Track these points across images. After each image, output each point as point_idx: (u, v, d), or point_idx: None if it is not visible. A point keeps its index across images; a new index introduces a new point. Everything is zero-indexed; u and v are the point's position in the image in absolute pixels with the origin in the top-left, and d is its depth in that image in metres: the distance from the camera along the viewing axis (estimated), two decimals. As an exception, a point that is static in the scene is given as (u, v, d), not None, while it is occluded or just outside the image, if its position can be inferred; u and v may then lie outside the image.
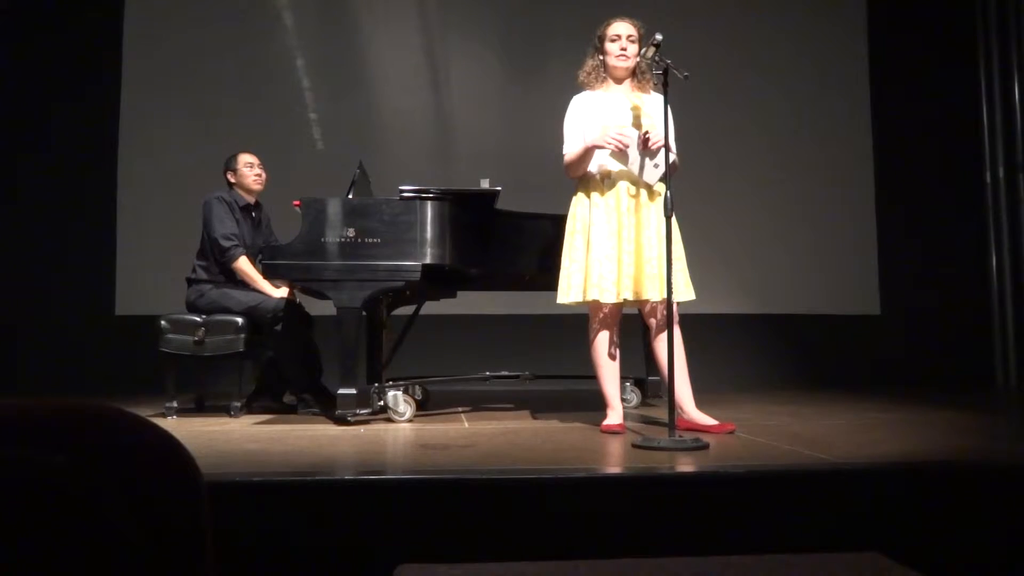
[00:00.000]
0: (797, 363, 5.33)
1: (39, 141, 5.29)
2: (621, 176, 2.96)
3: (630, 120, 2.98)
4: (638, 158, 2.89)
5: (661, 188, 2.87)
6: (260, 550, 1.84)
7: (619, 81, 3.07)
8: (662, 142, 2.80)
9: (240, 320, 3.64)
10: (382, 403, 3.34)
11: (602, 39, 3.06)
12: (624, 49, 3.01)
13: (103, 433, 0.67)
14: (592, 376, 3.09)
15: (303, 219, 3.28)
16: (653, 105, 3.02)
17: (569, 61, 3.19)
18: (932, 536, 1.96)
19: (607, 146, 2.90)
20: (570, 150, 3.05)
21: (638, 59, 2.99)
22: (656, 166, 2.89)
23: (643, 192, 2.94)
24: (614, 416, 2.98)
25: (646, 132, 2.86)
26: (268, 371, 3.89)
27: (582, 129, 3.03)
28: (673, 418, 2.58)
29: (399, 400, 3.33)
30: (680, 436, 2.55)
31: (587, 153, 2.97)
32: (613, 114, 3.00)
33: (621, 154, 2.91)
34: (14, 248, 5.18)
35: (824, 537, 1.93)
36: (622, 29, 3.03)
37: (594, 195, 2.99)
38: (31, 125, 5.29)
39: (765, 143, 5.62)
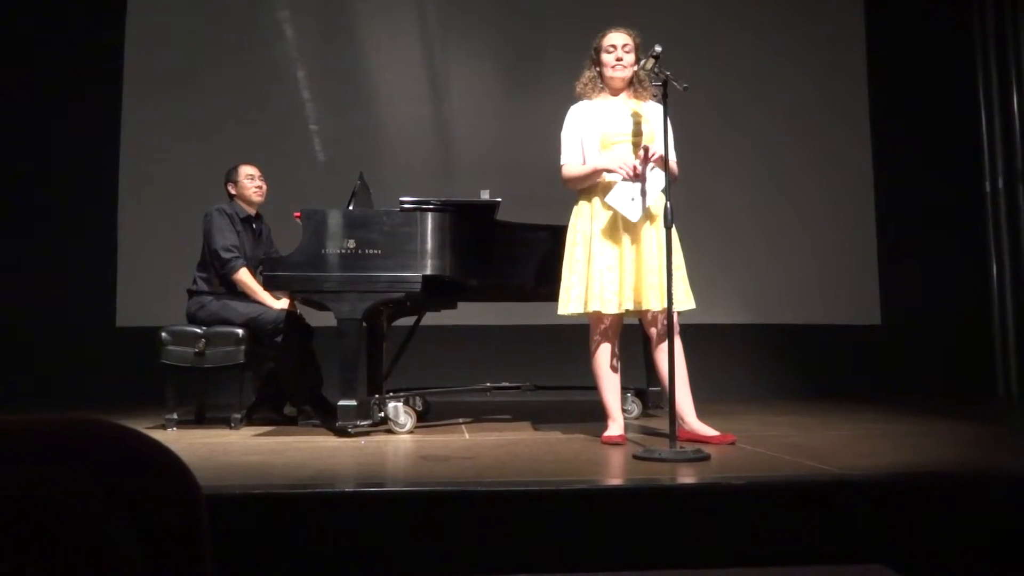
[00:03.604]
0: (798, 373, 5.32)
1: (39, 152, 5.31)
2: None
3: (631, 127, 2.99)
4: (640, 184, 2.86)
5: (661, 198, 2.87)
6: (260, 563, 1.84)
7: (616, 91, 3.07)
8: (662, 154, 2.80)
9: (240, 332, 3.64)
10: (383, 415, 3.34)
11: (598, 50, 3.06)
12: (620, 59, 3.01)
13: (102, 448, 0.67)
14: (593, 387, 3.08)
15: (303, 230, 3.28)
16: (651, 113, 3.02)
17: (570, 73, 3.20)
18: (936, 547, 1.95)
19: (619, 172, 2.89)
20: (568, 160, 3.05)
21: (635, 69, 3.00)
22: (656, 184, 2.86)
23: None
24: (615, 427, 2.97)
25: (645, 147, 2.86)
26: (268, 383, 3.89)
27: (581, 138, 3.03)
28: (674, 429, 2.56)
29: (400, 411, 3.33)
30: (681, 447, 2.54)
31: (594, 174, 2.96)
32: (614, 122, 3.01)
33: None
34: (15, 260, 5.19)
35: (827, 549, 1.92)
36: (618, 39, 3.03)
37: (595, 206, 2.99)
38: (31, 136, 5.31)
39: (764, 153, 5.63)
